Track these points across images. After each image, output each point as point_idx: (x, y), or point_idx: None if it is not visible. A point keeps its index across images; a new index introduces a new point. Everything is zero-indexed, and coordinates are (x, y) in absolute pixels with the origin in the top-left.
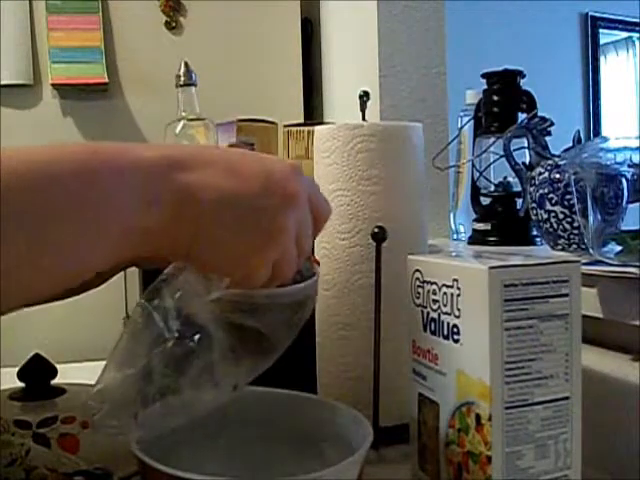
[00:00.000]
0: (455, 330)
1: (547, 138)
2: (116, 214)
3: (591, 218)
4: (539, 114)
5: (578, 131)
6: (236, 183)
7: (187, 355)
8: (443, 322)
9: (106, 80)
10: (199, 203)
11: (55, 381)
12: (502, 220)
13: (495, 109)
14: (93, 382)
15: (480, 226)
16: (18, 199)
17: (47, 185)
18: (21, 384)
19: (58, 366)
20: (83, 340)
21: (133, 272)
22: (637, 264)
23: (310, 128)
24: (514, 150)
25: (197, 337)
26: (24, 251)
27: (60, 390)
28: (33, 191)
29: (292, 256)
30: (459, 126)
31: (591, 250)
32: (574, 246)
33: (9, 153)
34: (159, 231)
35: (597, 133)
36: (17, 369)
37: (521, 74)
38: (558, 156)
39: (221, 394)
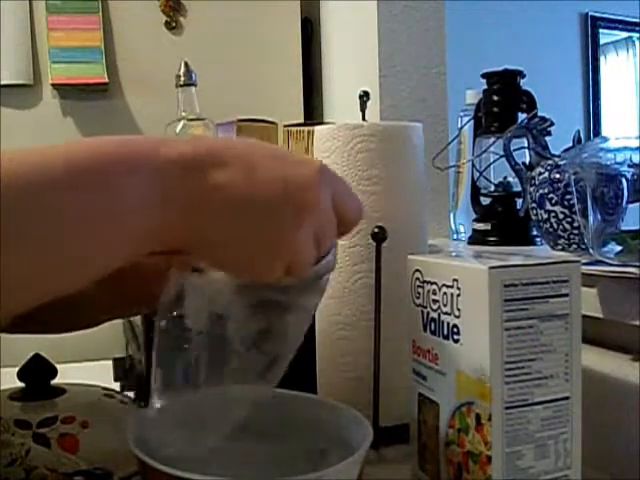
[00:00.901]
0: (455, 330)
1: (547, 138)
2: (126, 215)
3: (591, 218)
4: (539, 114)
5: (578, 131)
6: (252, 186)
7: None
8: (443, 322)
9: (106, 80)
10: (211, 205)
11: (55, 381)
12: (502, 220)
13: (495, 109)
14: (93, 382)
15: (480, 226)
16: (19, 202)
17: (46, 188)
18: (21, 384)
19: (58, 366)
20: (83, 340)
21: None
22: (637, 264)
23: (310, 128)
24: (514, 150)
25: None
26: (28, 254)
27: (60, 390)
28: (32, 194)
29: (306, 259)
30: (459, 126)
31: (591, 250)
32: (574, 246)
33: (12, 155)
34: (168, 231)
35: (597, 133)
36: (17, 369)
37: (521, 74)
38: (558, 156)
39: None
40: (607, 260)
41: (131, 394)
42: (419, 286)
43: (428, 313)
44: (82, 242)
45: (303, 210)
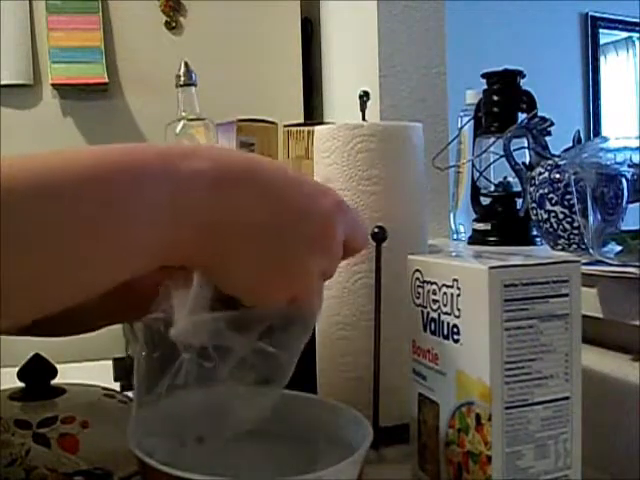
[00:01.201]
0: (455, 330)
1: (547, 138)
2: (132, 228)
3: (591, 218)
4: (539, 114)
5: (578, 131)
6: (268, 214)
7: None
8: (443, 322)
9: (106, 80)
10: (225, 228)
11: (55, 381)
12: (502, 220)
13: (495, 109)
14: (93, 382)
15: (480, 226)
16: (19, 208)
17: (46, 196)
18: (21, 384)
19: (58, 366)
20: (83, 340)
21: None
22: (637, 264)
23: (310, 128)
24: (514, 150)
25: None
26: (28, 262)
27: (60, 390)
28: (31, 201)
29: (312, 290)
30: (459, 126)
31: (591, 250)
32: (574, 246)
33: (12, 161)
34: (179, 247)
35: (597, 133)
36: (17, 369)
37: (521, 74)
38: (558, 156)
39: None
40: (607, 260)
41: (131, 394)
42: (419, 286)
43: (428, 313)
44: (83, 253)
45: (318, 243)
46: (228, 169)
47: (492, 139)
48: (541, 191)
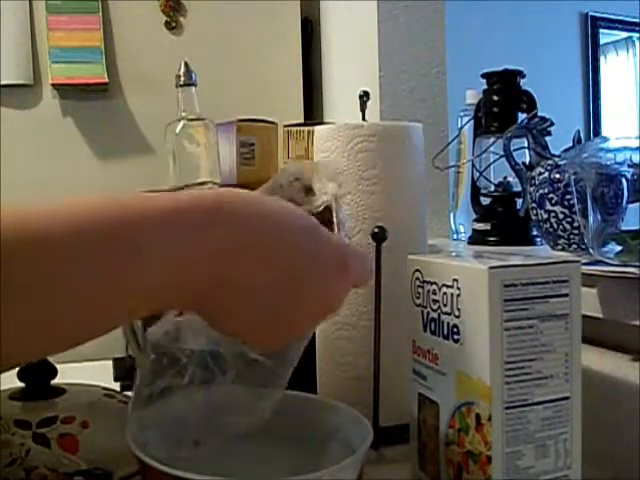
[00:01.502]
0: (455, 330)
1: (547, 138)
2: (138, 280)
3: (591, 218)
4: (539, 114)
5: (578, 131)
6: (269, 276)
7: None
8: (443, 322)
9: (106, 80)
10: (227, 290)
11: (55, 381)
12: (502, 220)
13: (495, 109)
14: (93, 382)
15: (480, 226)
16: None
17: (47, 250)
18: (21, 384)
19: (58, 366)
20: None
21: None
22: (637, 264)
23: (310, 128)
24: (514, 150)
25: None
26: (29, 320)
27: (60, 390)
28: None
29: (309, 331)
30: (459, 126)
31: (591, 250)
32: (574, 246)
33: (13, 210)
34: (177, 303)
35: (597, 133)
36: (17, 369)
37: (521, 74)
38: (558, 156)
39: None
40: (607, 260)
41: (131, 394)
42: (419, 286)
43: (428, 313)
44: (74, 316)
45: (318, 306)
46: (236, 238)
47: (492, 139)
48: (541, 191)
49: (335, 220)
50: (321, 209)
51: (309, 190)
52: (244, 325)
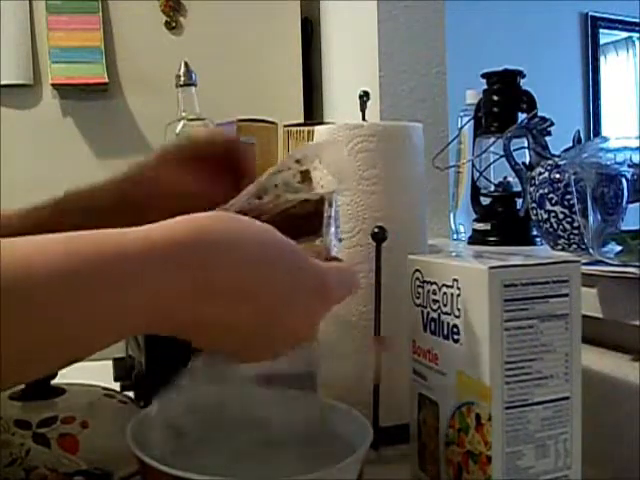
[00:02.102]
0: (455, 330)
1: (547, 138)
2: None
3: (591, 218)
4: (539, 114)
5: (578, 131)
6: (245, 314)
7: None
8: (443, 322)
9: (106, 80)
10: (204, 329)
11: (55, 381)
12: (502, 220)
13: (495, 109)
14: (93, 382)
15: (480, 226)
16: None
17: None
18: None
19: None
20: None
21: None
22: (637, 264)
23: (310, 128)
24: (514, 150)
25: None
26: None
27: (60, 390)
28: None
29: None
30: (459, 126)
31: (591, 250)
32: (574, 246)
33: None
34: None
35: (597, 133)
36: None
37: (521, 74)
38: (558, 156)
39: None
40: (607, 260)
41: (131, 394)
42: (419, 286)
43: (428, 313)
44: (52, 354)
45: (294, 339)
46: (211, 280)
47: (492, 139)
48: (541, 191)
49: (327, 214)
50: (316, 199)
51: (306, 175)
52: (227, 348)
